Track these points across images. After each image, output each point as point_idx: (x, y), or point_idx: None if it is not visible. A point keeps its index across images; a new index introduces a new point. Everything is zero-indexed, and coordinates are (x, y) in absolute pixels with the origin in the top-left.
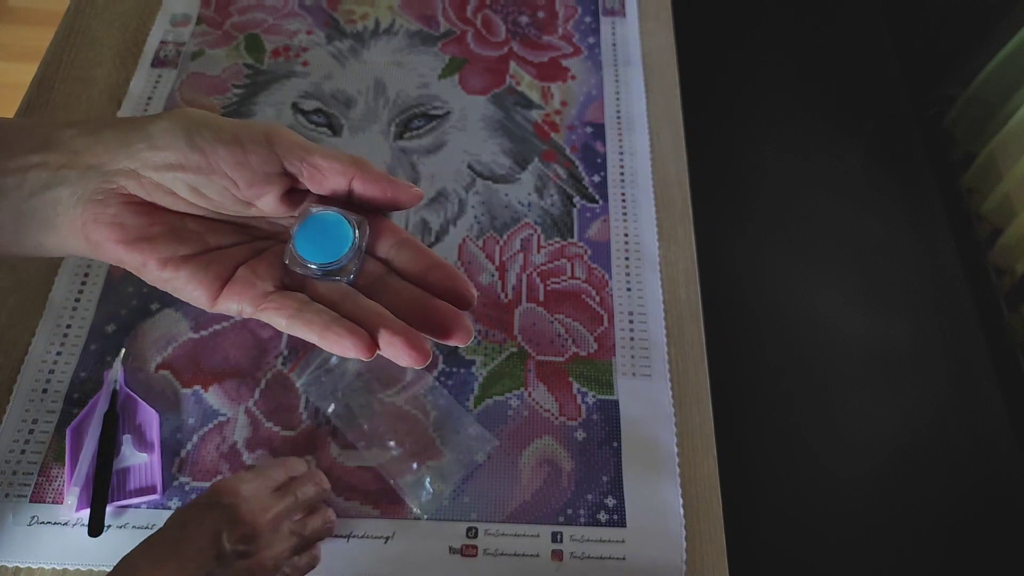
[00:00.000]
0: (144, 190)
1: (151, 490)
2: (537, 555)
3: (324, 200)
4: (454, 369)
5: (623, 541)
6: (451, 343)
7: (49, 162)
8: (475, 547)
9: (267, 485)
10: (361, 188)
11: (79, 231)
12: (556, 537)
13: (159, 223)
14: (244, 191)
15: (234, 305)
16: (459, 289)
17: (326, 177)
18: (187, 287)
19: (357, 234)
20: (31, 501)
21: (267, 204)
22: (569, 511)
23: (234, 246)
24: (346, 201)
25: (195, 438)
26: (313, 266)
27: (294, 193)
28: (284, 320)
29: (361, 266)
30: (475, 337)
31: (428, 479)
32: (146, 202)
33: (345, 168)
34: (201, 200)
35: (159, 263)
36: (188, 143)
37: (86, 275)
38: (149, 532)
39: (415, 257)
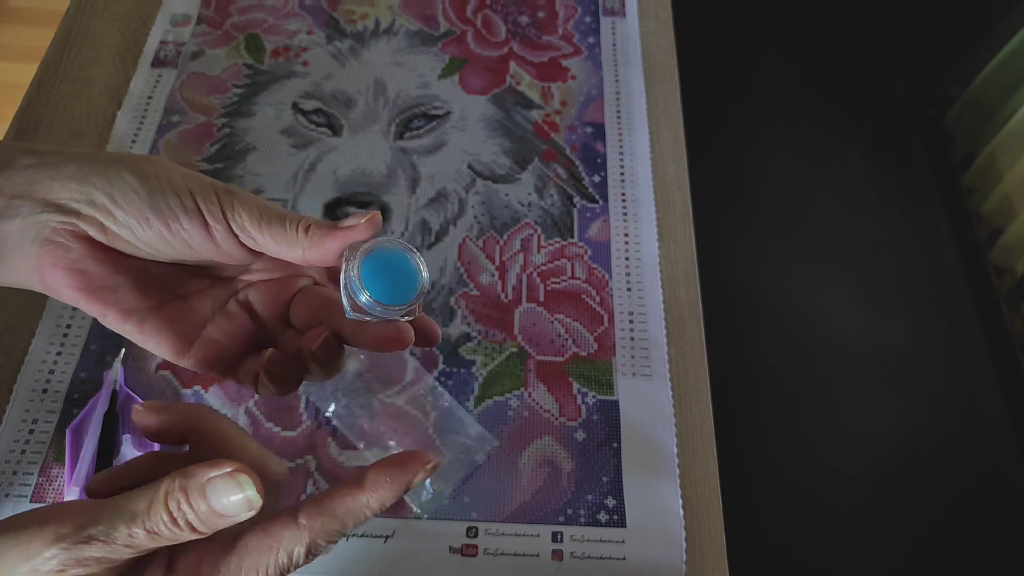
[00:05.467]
0: (106, 237)
1: None
2: (537, 555)
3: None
4: (454, 369)
5: (623, 541)
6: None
7: (1, 188)
8: (475, 546)
9: None
10: (314, 257)
11: (33, 271)
12: (556, 537)
13: (123, 271)
14: (207, 256)
15: (203, 366)
16: (428, 331)
17: (279, 253)
18: (151, 342)
19: (423, 267)
20: (31, 501)
21: (233, 260)
22: (569, 511)
23: (201, 293)
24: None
25: None
26: (379, 308)
27: None
28: (252, 384)
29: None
30: (475, 337)
31: (428, 479)
32: (109, 248)
33: (291, 246)
34: (160, 255)
35: (122, 314)
36: (151, 208)
37: None
38: None
39: None
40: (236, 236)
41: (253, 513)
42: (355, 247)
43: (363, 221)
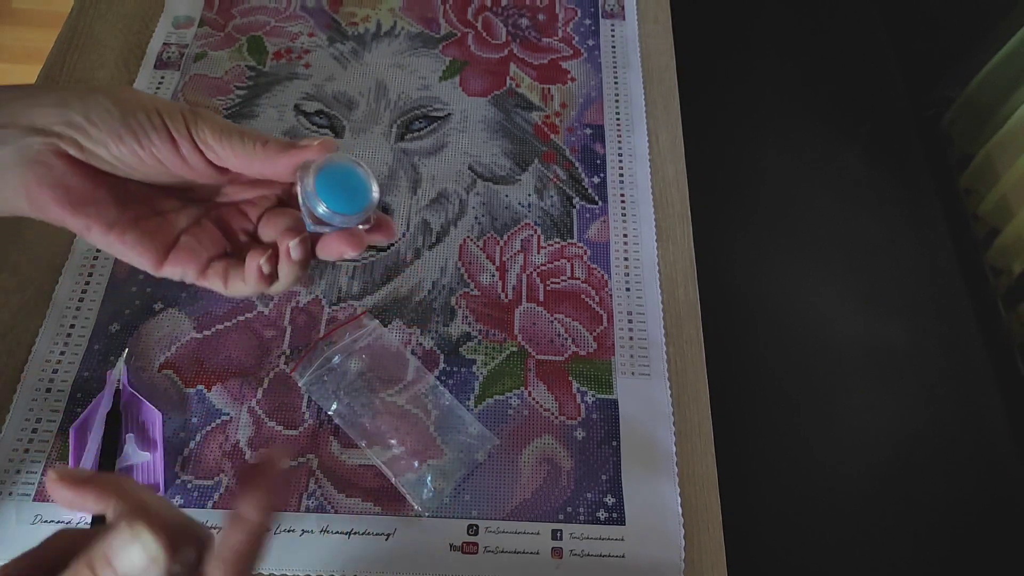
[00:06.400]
0: (84, 155)
1: (154, 488)
2: (537, 552)
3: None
4: (455, 369)
5: (622, 539)
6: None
7: None
8: (476, 544)
9: None
10: (269, 171)
11: (22, 192)
12: (556, 535)
13: (103, 186)
14: (177, 172)
15: (178, 272)
16: (382, 226)
17: (240, 168)
18: (131, 252)
19: (373, 178)
20: (34, 500)
21: (202, 178)
22: (569, 509)
23: (176, 211)
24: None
25: (198, 437)
26: (337, 218)
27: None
28: (221, 282)
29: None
30: (476, 337)
31: (429, 477)
32: (89, 165)
33: (250, 162)
34: (135, 173)
35: (104, 227)
36: (123, 126)
37: (90, 275)
38: None
39: None
40: (201, 151)
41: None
42: (307, 165)
43: (316, 143)
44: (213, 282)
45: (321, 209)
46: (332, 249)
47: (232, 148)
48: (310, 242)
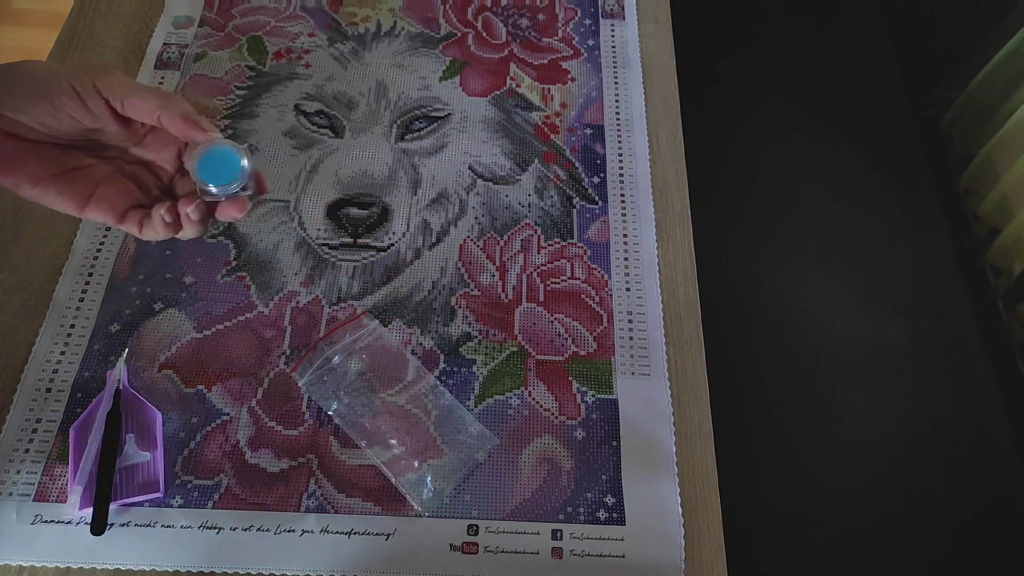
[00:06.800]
0: (6, 124)
1: (154, 488)
2: (537, 552)
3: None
4: (455, 369)
5: (622, 539)
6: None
7: None
8: (476, 544)
9: None
10: (167, 125)
11: None
12: (556, 535)
13: (25, 150)
14: (88, 125)
15: (99, 216)
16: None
17: (142, 114)
18: (56, 200)
19: (245, 155)
20: (35, 500)
21: (111, 132)
22: (569, 509)
23: (91, 166)
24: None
25: (198, 437)
26: (214, 190)
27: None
28: (137, 228)
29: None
30: (476, 337)
31: (429, 477)
32: (11, 133)
33: (152, 109)
34: (53, 133)
35: (30, 182)
36: (37, 93)
37: (90, 275)
38: (152, 530)
39: None
40: (107, 104)
41: None
42: (193, 151)
43: (205, 131)
44: (130, 227)
45: (202, 186)
46: (224, 213)
47: (138, 96)
48: (206, 206)
